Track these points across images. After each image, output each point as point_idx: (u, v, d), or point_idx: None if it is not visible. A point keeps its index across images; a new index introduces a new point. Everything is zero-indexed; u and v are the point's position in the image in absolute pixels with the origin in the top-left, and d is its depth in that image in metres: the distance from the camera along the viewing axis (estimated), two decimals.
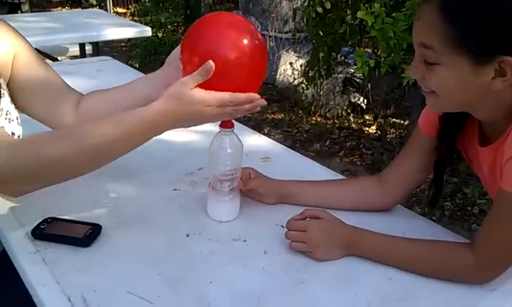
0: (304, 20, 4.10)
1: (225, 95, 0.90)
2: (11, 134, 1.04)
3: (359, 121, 4.10)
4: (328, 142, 3.80)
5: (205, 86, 0.91)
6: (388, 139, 3.69)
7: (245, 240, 1.05)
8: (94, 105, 1.15)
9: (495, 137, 0.94)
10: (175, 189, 1.22)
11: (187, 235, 1.05)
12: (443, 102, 0.92)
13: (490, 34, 0.83)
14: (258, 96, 0.93)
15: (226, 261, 0.98)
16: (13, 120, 1.08)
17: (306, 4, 3.64)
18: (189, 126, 0.98)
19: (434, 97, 0.92)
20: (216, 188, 1.10)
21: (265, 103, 0.95)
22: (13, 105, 1.10)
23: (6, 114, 1.06)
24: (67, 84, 1.20)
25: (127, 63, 5.10)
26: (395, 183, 1.13)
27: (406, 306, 0.90)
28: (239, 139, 1.08)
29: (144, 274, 0.94)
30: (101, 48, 4.29)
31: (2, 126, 1.01)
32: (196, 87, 0.91)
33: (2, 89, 1.07)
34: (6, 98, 1.07)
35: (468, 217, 2.71)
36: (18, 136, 1.08)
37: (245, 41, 0.91)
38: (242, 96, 0.91)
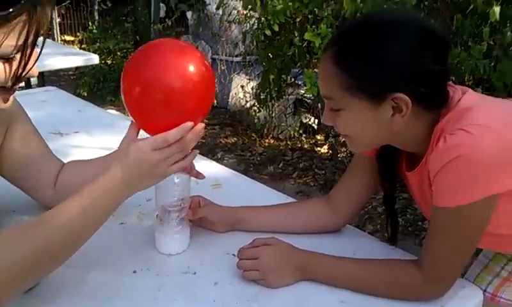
0: (254, 43, 4.15)
1: (157, 137, 0.87)
2: None
3: (311, 142, 4.15)
4: (281, 164, 3.81)
5: (149, 120, 0.88)
6: (340, 159, 3.74)
7: (195, 273, 1.02)
8: (72, 180, 1.13)
9: (417, 161, 0.99)
10: (122, 223, 1.18)
11: (134, 272, 1.01)
12: (357, 142, 0.99)
13: (381, 75, 0.89)
14: (191, 124, 0.88)
15: (175, 296, 0.95)
16: None
17: (255, 27, 3.69)
18: (150, 185, 0.92)
19: (349, 139, 0.99)
20: (163, 220, 1.06)
21: (204, 126, 0.92)
22: None
23: None
24: (51, 154, 1.18)
25: (75, 92, 5.03)
26: (343, 203, 1.14)
27: None
28: None
29: None
30: (48, 78, 4.19)
31: None
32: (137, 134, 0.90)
33: None
34: None
35: (419, 232, 2.77)
36: None
37: (191, 69, 0.88)
38: (174, 132, 0.86)
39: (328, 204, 1.16)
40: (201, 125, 0.91)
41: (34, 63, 0.82)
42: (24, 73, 0.81)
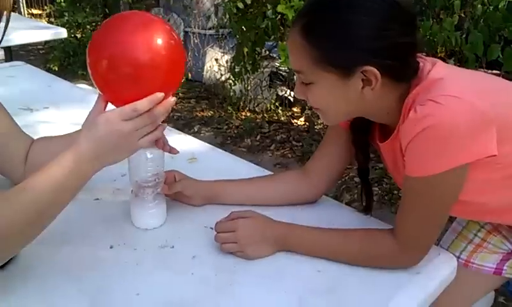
0: (227, 16, 4.09)
1: (125, 107, 0.84)
2: None
3: (287, 114, 4.15)
4: (258, 137, 3.81)
5: (117, 95, 0.86)
6: (316, 130, 3.76)
7: (173, 247, 1.02)
8: (42, 156, 1.07)
9: (390, 132, 1.00)
10: (97, 199, 1.16)
11: (111, 247, 1.00)
12: (329, 115, 1.00)
13: (348, 48, 0.89)
14: (162, 94, 0.86)
15: (153, 270, 0.95)
16: None
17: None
18: (120, 159, 0.90)
19: (321, 112, 0.99)
20: (138, 196, 1.05)
21: (175, 100, 0.90)
22: None
23: None
24: (20, 130, 1.14)
25: (44, 67, 4.91)
26: (319, 173, 1.15)
27: (336, 296, 0.90)
28: None
29: (65, 291, 0.88)
30: (16, 53, 4.06)
31: None
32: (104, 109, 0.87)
33: None
34: None
35: (395, 201, 2.82)
36: None
37: (159, 41, 0.85)
38: (143, 101, 0.84)
39: (304, 176, 1.16)
40: (171, 98, 0.89)
41: None
42: None
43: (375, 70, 0.89)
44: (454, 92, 0.87)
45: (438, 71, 0.93)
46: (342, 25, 0.89)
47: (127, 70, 0.84)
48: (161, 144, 1.01)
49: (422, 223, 0.93)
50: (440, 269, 0.98)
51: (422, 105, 0.86)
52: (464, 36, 2.44)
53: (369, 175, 1.12)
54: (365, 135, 1.08)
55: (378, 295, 0.91)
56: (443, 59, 2.79)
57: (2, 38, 0.85)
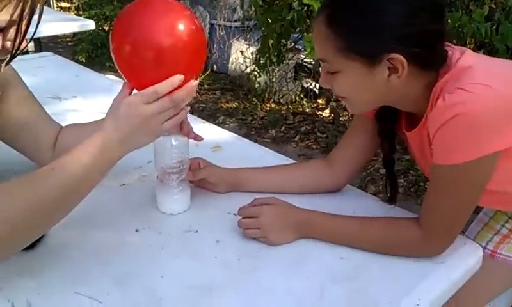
0: (252, 8, 4.09)
1: (147, 90, 0.85)
2: None
3: (312, 106, 4.14)
4: (283, 128, 3.81)
5: (140, 79, 0.87)
6: (342, 122, 3.74)
7: (197, 231, 1.03)
8: (70, 142, 1.08)
9: (417, 121, 0.98)
10: (123, 184, 1.19)
11: (137, 230, 1.02)
12: (355, 104, 0.99)
13: (374, 36, 0.88)
14: (181, 76, 0.86)
15: (178, 253, 0.97)
16: None
17: None
18: (145, 142, 0.91)
19: (346, 101, 0.99)
20: (164, 182, 1.07)
21: (197, 83, 0.91)
22: None
23: None
24: (49, 117, 1.17)
25: (73, 58, 4.99)
26: (342, 163, 1.14)
27: (358, 284, 0.90)
28: None
29: (92, 272, 0.91)
30: (46, 45, 4.15)
31: None
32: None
33: None
34: None
35: (421, 193, 2.79)
36: None
37: (180, 26, 0.86)
38: (163, 84, 0.85)
39: (328, 165, 1.16)
40: (193, 82, 0.89)
41: (24, 37, 0.82)
42: (17, 48, 0.82)
43: (401, 58, 0.88)
44: (484, 80, 0.85)
45: (467, 60, 0.91)
46: (368, 13, 0.88)
47: (150, 55, 0.85)
48: (186, 130, 1.02)
49: (448, 212, 0.92)
50: (465, 258, 0.97)
51: (450, 93, 0.85)
52: (494, 27, 2.39)
53: (395, 166, 1.11)
54: (391, 124, 1.07)
55: (401, 284, 0.90)
56: (473, 51, 2.74)
57: (35, 30, 0.87)
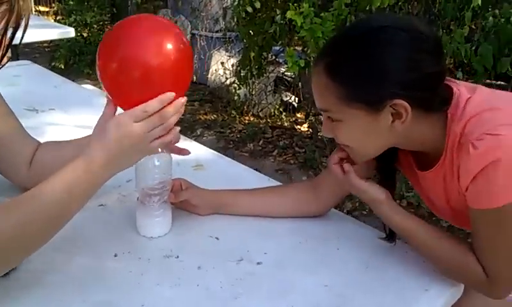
0: (235, 20, 4.09)
1: (136, 109, 0.83)
2: None
3: (291, 120, 4.14)
4: (261, 142, 3.80)
5: (126, 98, 0.85)
6: (320, 137, 3.74)
7: (178, 256, 1.00)
8: (48, 160, 1.10)
9: (430, 160, 0.97)
10: (101, 204, 1.15)
11: (115, 255, 0.99)
12: (359, 152, 0.97)
13: (375, 83, 0.87)
14: (173, 94, 0.85)
15: (158, 280, 0.94)
16: None
17: (236, 3, 3.63)
18: (131, 163, 0.89)
19: (350, 150, 0.97)
20: (144, 203, 1.04)
21: (185, 100, 0.89)
22: None
23: None
24: (26, 133, 1.14)
25: (49, 65, 4.91)
26: (328, 190, 1.13)
27: None
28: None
29: (69, 301, 0.87)
30: (21, 50, 4.06)
31: None
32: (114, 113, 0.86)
33: None
34: None
35: None
36: None
37: (169, 46, 0.85)
38: (153, 102, 0.83)
39: (313, 190, 1.15)
40: (181, 99, 0.87)
41: (7, 51, 0.80)
42: (0, 61, 0.79)
43: (405, 103, 0.87)
44: (508, 120, 0.86)
45: (481, 99, 0.91)
46: (368, 61, 0.87)
47: (137, 73, 0.83)
48: (172, 146, 1.00)
49: (509, 254, 0.90)
50: (449, 287, 0.97)
51: (480, 140, 0.85)
52: (473, 48, 2.43)
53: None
54: (392, 162, 1.05)
55: None
56: (452, 71, 2.78)
57: (20, 42, 0.84)
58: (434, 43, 0.90)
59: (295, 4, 2.73)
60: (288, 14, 2.72)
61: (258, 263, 1.00)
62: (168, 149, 1.00)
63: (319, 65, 0.91)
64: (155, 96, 0.84)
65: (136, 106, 0.83)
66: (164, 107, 0.84)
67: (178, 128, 0.91)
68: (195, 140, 1.61)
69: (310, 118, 4.04)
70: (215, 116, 4.28)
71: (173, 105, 0.85)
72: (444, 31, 2.60)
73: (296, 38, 3.44)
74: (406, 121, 0.89)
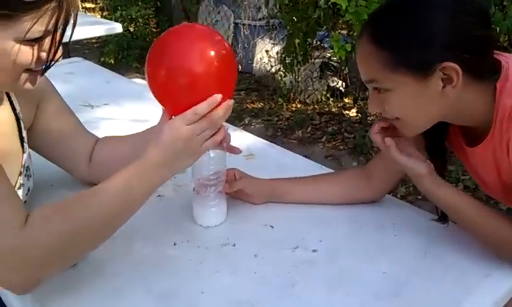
0: (277, 6, 4.06)
1: (187, 112, 0.87)
2: (27, 190, 1.01)
3: (339, 105, 4.09)
4: (309, 129, 3.78)
5: (174, 104, 0.89)
6: (369, 121, 3.69)
7: (234, 245, 1.02)
8: (106, 155, 1.15)
9: (475, 135, 0.95)
10: (159, 195, 1.19)
11: (175, 244, 1.02)
12: (411, 124, 0.94)
13: (422, 47, 0.85)
14: (220, 96, 0.88)
15: (217, 268, 0.96)
16: (30, 176, 1.04)
17: None
18: (187, 165, 0.92)
19: (400, 123, 0.94)
20: (201, 194, 1.07)
21: (233, 102, 0.92)
22: (31, 159, 1.06)
23: (26, 171, 1.01)
24: (84, 129, 1.19)
25: (99, 60, 5.04)
26: (380, 176, 1.12)
27: (401, 300, 0.88)
28: None
29: (132, 289, 0.91)
30: (71, 46, 4.19)
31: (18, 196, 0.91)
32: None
33: (25, 144, 1.03)
34: (26, 153, 1.03)
35: None
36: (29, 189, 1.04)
37: (211, 53, 0.89)
38: (202, 104, 0.87)
39: (365, 177, 1.14)
40: (229, 101, 0.91)
41: (59, 47, 0.83)
42: (52, 58, 0.83)
43: (455, 65, 0.84)
44: None
45: None
46: (413, 24, 0.86)
47: (184, 81, 0.87)
48: (224, 144, 1.02)
49: None
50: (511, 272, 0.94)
51: None
52: None
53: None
54: (441, 140, 1.03)
55: (446, 298, 0.88)
56: (506, 49, 2.67)
57: (70, 38, 0.87)
58: (478, 7, 0.88)
59: None
60: None
61: (313, 251, 1.00)
62: (219, 147, 1.02)
63: (363, 35, 0.91)
64: (202, 101, 0.87)
65: (184, 111, 0.88)
66: (213, 109, 0.88)
67: (227, 127, 0.95)
68: (243, 129, 1.63)
69: (358, 103, 3.98)
70: (262, 104, 4.29)
71: (221, 107, 0.89)
72: (497, 7, 2.49)
73: (341, 21, 3.39)
74: (457, 86, 0.86)
